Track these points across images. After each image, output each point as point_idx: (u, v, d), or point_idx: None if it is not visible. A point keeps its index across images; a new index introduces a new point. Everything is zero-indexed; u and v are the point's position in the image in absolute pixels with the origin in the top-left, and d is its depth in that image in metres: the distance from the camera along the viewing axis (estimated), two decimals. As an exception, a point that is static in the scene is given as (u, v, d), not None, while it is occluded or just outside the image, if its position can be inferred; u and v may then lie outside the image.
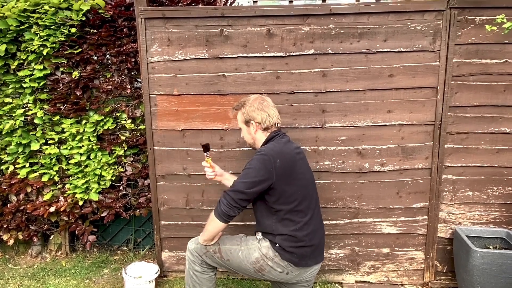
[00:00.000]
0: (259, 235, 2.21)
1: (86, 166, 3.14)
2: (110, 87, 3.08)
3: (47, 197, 3.14)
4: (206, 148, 2.36)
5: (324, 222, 2.84)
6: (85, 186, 3.15)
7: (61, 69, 3.04)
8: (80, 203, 3.16)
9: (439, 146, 2.70)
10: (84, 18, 2.91)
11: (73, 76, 3.01)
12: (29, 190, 3.21)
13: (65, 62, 3.02)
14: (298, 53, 2.64)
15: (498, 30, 2.41)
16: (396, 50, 2.60)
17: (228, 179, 2.45)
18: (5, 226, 3.24)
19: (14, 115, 3.08)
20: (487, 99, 2.65)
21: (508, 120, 2.67)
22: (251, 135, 2.27)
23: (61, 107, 3.08)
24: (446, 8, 2.54)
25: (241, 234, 2.33)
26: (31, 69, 3.01)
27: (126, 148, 3.16)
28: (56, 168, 3.16)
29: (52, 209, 3.13)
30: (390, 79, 2.64)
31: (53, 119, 3.10)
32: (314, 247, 2.15)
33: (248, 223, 2.87)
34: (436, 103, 2.66)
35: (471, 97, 2.65)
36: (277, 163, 2.05)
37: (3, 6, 2.92)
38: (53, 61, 3.00)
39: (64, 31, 2.91)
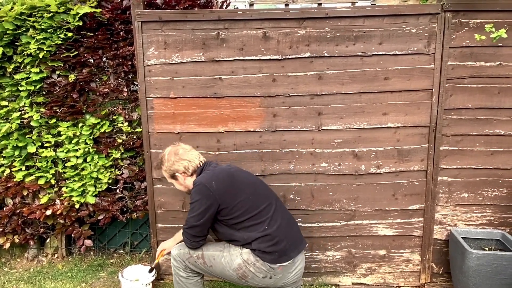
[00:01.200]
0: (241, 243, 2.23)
1: (83, 169, 3.14)
2: (106, 90, 3.08)
3: (43, 200, 3.14)
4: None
5: (321, 224, 2.86)
6: (81, 189, 3.14)
7: (57, 72, 3.04)
8: (77, 206, 3.16)
9: (434, 148, 2.72)
10: (80, 22, 2.92)
11: (70, 79, 3.01)
12: (25, 193, 3.21)
13: (62, 65, 3.02)
14: (294, 56, 2.65)
15: (491, 36, 2.43)
16: (391, 53, 2.62)
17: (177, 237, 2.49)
18: (1, 229, 3.23)
19: (10, 118, 3.07)
20: (482, 101, 2.67)
21: (503, 122, 2.69)
22: (183, 185, 2.34)
23: (58, 110, 3.08)
24: (440, 11, 2.56)
25: (224, 241, 2.34)
26: (28, 72, 3.01)
27: (122, 151, 3.17)
28: (52, 171, 3.16)
29: (49, 212, 3.12)
30: (385, 82, 2.66)
31: (50, 122, 3.10)
32: (290, 238, 2.17)
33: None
34: (431, 105, 2.68)
35: (465, 99, 2.67)
36: (213, 186, 2.12)
37: (-1, 9, 2.93)
38: (50, 64, 3.00)
39: (61, 35, 2.91)
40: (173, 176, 2.33)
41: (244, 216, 2.13)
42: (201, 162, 2.32)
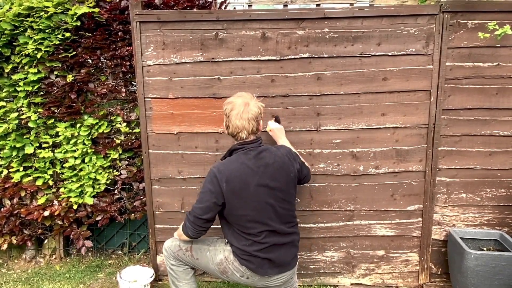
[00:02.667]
0: (226, 239, 2.23)
1: (81, 169, 3.13)
2: (105, 90, 3.07)
3: (41, 201, 3.13)
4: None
5: (319, 224, 2.86)
6: (79, 190, 3.13)
7: (55, 72, 3.04)
8: (75, 207, 3.15)
9: (433, 148, 2.72)
10: (78, 23, 2.91)
11: (68, 80, 3.00)
12: (23, 194, 3.20)
13: (60, 65, 3.01)
14: (292, 57, 2.65)
15: (492, 35, 2.44)
16: (389, 54, 2.63)
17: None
18: (-2, 230, 3.22)
19: (8, 118, 3.06)
20: (480, 102, 2.68)
21: (501, 123, 2.69)
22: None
23: (56, 111, 3.07)
24: (439, 12, 2.57)
25: (215, 236, 2.34)
26: (25, 72, 3.00)
27: (121, 152, 3.16)
28: (50, 172, 3.15)
29: (46, 213, 3.11)
30: (384, 82, 2.66)
31: (48, 123, 3.09)
32: (271, 260, 2.08)
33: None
34: (429, 106, 2.68)
35: (464, 100, 2.68)
36: (224, 187, 2.00)
37: (-3, 9, 2.92)
38: (48, 65, 2.99)
39: (59, 35, 2.91)
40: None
41: (236, 223, 2.09)
42: (245, 138, 2.09)
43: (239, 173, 2.02)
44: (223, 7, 3.49)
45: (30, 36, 2.92)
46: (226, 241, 2.20)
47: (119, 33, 3.01)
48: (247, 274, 2.12)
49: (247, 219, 2.05)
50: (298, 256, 2.89)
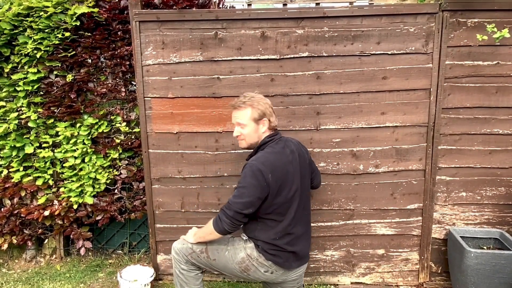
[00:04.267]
0: (244, 236, 2.22)
1: (81, 169, 3.13)
2: (104, 90, 3.07)
3: (41, 201, 3.13)
4: None
5: (319, 224, 2.86)
6: (79, 189, 3.13)
7: (55, 72, 3.04)
8: (75, 206, 3.15)
9: (433, 147, 2.72)
10: (78, 22, 2.91)
11: (67, 79, 3.00)
12: (23, 194, 3.20)
13: (59, 65, 3.01)
14: (292, 56, 2.65)
15: (491, 34, 2.44)
16: (389, 53, 2.63)
17: None
18: (-1, 230, 3.23)
19: (8, 118, 3.06)
20: (480, 100, 2.68)
21: (500, 121, 2.69)
22: (258, 134, 2.16)
23: (55, 110, 3.07)
24: (438, 11, 2.57)
25: (228, 235, 2.31)
26: (25, 72, 3.00)
27: (121, 151, 3.16)
28: (50, 171, 3.15)
29: (47, 213, 3.11)
30: (383, 81, 2.66)
31: (47, 123, 3.09)
32: (296, 253, 2.15)
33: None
34: (429, 104, 2.68)
35: (463, 98, 2.67)
36: (269, 178, 2.00)
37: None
38: (47, 64, 2.99)
39: (58, 35, 2.91)
40: (259, 120, 2.13)
41: (270, 216, 2.09)
42: (276, 129, 2.21)
43: (280, 163, 2.07)
44: (222, 6, 3.49)
45: (30, 36, 2.92)
46: (245, 238, 2.20)
47: (119, 33, 3.01)
48: (272, 268, 2.13)
49: (283, 206, 2.08)
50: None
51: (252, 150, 2.23)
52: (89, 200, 3.14)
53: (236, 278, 2.38)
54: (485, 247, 2.69)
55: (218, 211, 2.84)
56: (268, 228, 2.11)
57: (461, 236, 2.68)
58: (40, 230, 3.29)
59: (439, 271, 2.92)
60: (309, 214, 2.28)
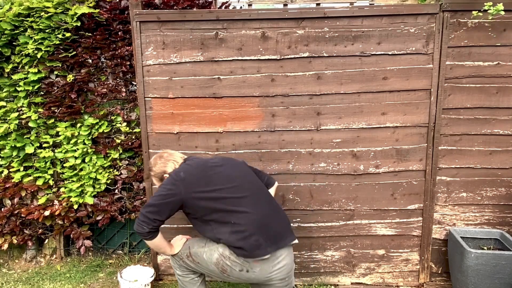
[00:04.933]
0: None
1: (81, 169, 3.13)
2: (105, 90, 3.07)
3: (41, 201, 3.13)
4: None
5: (320, 224, 2.86)
6: (80, 189, 3.14)
7: (55, 72, 3.04)
8: (75, 206, 3.15)
9: (433, 148, 2.72)
10: (78, 23, 2.91)
11: (68, 80, 3.01)
12: (23, 194, 3.20)
13: (60, 65, 3.02)
14: (292, 56, 2.65)
15: (488, 11, 2.44)
16: (389, 53, 2.63)
17: None
18: (-1, 230, 3.23)
19: (8, 118, 3.06)
20: (480, 101, 2.68)
21: (501, 122, 2.69)
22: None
23: (56, 111, 3.07)
24: (439, 11, 2.57)
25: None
26: (26, 72, 3.01)
27: (121, 151, 3.16)
28: (50, 171, 3.15)
29: (47, 213, 3.11)
30: (384, 82, 2.66)
31: (48, 123, 3.09)
32: (265, 233, 2.07)
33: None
34: (429, 105, 2.68)
35: (464, 99, 2.67)
36: (181, 175, 2.14)
37: (-3, 9, 2.92)
38: (48, 65, 2.99)
39: (59, 35, 2.91)
40: (162, 179, 2.30)
41: (215, 209, 2.10)
42: (182, 158, 2.34)
43: (194, 164, 2.28)
44: (223, 6, 3.49)
45: (30, 36, 2.92)
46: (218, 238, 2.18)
47: (119, 33, 3.01)
48: (247, 266, 2.07)
49: (222, 193, 2.15)
50: (299, 255, 2.90)
51: None
52: (90, 200, 3.14)
53: (225, 281, 2.37)
54: (485, 248, 2.68)
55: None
56: (221, 222, 2.11)
57: (461, 237, 2.68)
58: (40, 230, 3.29)
59: (439, 272, 2.92)
60: (268, 198, 2.25)
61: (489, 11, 2.37)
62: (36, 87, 3.03)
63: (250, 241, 2.04)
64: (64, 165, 3.12)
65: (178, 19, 2.64)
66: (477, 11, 2.43)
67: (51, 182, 3.17)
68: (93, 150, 3.12)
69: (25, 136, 3.13)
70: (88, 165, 3.12)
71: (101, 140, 3.16)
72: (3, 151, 3.11)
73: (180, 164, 2.28)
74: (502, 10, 2.34)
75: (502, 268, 2.43)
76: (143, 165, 2.89)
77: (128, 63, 3.05)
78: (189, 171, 2.18)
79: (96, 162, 3.12)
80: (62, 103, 3.06)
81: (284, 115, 2.73)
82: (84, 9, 2.86)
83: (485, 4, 2.42)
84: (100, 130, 3.10)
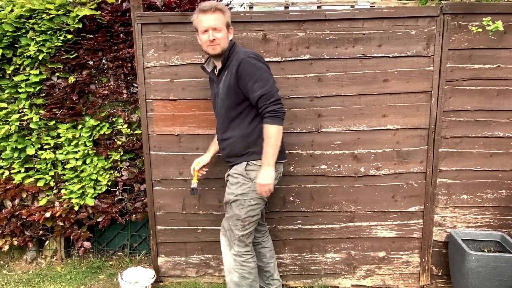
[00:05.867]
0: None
1: (82, 171, 3.14)
2: (106, 92, 3.08)
3: (42, 202, 3.13)
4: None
5: (320, 226, 2.87)
6: (81, 191, 3.14)
7: (57, 74, 3.04)
8: (76, 208, 3.15)
9: (434, 150, 2.72)
10: (80, 24, 2.92)
11: (69, 81, 3.01)
12: (24, 195, 3.20)
13: (61, 67, 3.02)
14: (293, 58, 2.66)
15: (491, 36, 2.45)
16: (390, 55, 2.63)
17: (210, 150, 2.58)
18: (0, 231, 3.22)
19: (9, 120, 3.07)
20: (481, 103, 2.68)
21: (501, 124, 2.70)
22: (228, 40, 2.23)
23: (57, 112, 3.08)
24: (439, 14, 2.58)
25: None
26: (27, 74, 3.01)
27: (122, 153, 3.16)
28: (51, 173, 3.15)
29: (48, 214, 3.11)
30: (384, 84, 2.67)
31: (49, 124, 3.10)
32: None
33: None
34: (430, 107, 2.69)
35: (464, 101, 2.68)
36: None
37: (-1, 11, 2.93)
38: (49, 66, 3.00)
39: (60, 37, 2.91)
40: (228, 26, 2.23)
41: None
42: None
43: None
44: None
45: (32, 37, 2.93)
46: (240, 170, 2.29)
47: (121, 35, 3.01)
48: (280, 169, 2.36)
49: None
50: (299, 257, 2.90)
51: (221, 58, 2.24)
52: (90, 202, 3.14)
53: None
54: (486, 250, 2.69)
55: (218, 213, 2.85)
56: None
57: (462, 239, 2.68)
58: (41, 232, 3.29)
59: (440, 274, 2.92)
60: None
61: (488, 28, 2.38)
62: (37, 88, 3.04)
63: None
64: (65, 166, 3.13)
65: (179, 21, 2.65)
66: (476, 27, 2.45)
67: (52, 184, 3.17)
68: (94, 151, 3.13)
69: (26, 138, 3.14)
70: (89, 166, 3.13)
71: (102, 142, 3.16)
72: (4, 152, 3.11)
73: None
74: (501, 27, 2.37)
75: (503, 270, 2.44)
76: (144, 167, 2.89)
77: (130, 65, 3.06)
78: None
79: (97, 164, 3.13)
80: (63, 104, 3.07)
81: (285, 117, 2.72)
82: (85, 11, 2.87)
83: (483, 19, 2.43)
84: (101, 132, 3.10)
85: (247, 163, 2.25)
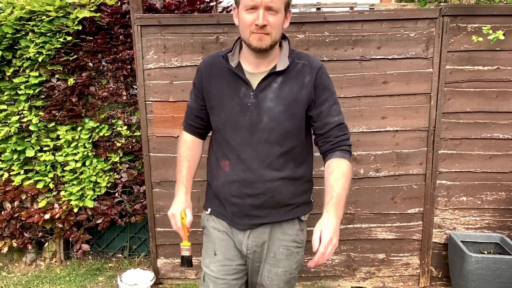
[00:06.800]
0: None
1: (81, 173, 3.13)
2: (105, 93, 3.08)
3: (42, 204, 3.13)
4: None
5: (320, 228, 2.85)
6: (80, 193, 3.13)
7: (56, 76, 3.04)
8: (75, 210, 3.15)
9: (433, 152, 2.72)
10: (80, 26, 2.92)
11: (69, 83, 3.01)
12: (23, 197, 3.20)
13: (61, 69, 3.02)
14: (293, 60, 2.66)
15: (486, 36, 2.45)
16: (389, 57, 2.63)
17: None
18: (-1, 233, 3.23)
19: (9, 122, 3.07)
20: (480, 105, 2.68)
21: (501, 126, 2.70)
22: (282, 26, 1.47)
23: (57, 114, 3.08)
24: (438, 16, 2.58)
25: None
26: (27, 76, 3.01)
27: (121, 155, 3.16)
28: (51, 175, 3.15)
29: (47, 216, 3.11)
30: (384, 86, 2.67)
31: (48, 126, 3.09)
32: None
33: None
34: (429, 109, 2.69)
35: (464, 103, 2.68)
36: None
37: (-1, 13, 2.93)
38: (49, 68, 3.00)
39: (60, 38, 2.92)
40: (287, 7, 1.47)
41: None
42: None
43: None
44: (224, 11, 3.50)
45: (32, 39, 2.93)
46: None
47: (120, 37, 3.02)
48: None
49: None
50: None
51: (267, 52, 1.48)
52: (90, 204, 3.14)
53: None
54: (485, 252, 2.68)
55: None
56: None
57: (461, 241, 2.68)
58: (40, 234, 3.28)
59: (439, 276, 2.92)
60: None
61: (488, 37, 2.38)
62: (37, 90, 3.04)
63: None
64: (65, 168, 3.12)
65: (179, 23, 2.65)
66: (477, 37, 2.45)
67: (51, 186, 3.17)
68: (94, 153, 3.12)
69: (25, 140, 3.13)
70: (89, 168, 3.13)
71: (101, 144, 3.16)
72: (4, 154, 3.11)
73: None
74: (502, 37, 2.36)
75: (503, 272, 2.43)
76: (144, 169, 2.89)
77: (129, 66, 3.06)
78: None
79: (96, 166, 3.12)
80: (63, 106, 3.07)
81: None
82: (85, 13, 2.87)
83: (483, 28, 2.43)
84: (101, 134, 3.10)
85: (299, 221, 1.66)
